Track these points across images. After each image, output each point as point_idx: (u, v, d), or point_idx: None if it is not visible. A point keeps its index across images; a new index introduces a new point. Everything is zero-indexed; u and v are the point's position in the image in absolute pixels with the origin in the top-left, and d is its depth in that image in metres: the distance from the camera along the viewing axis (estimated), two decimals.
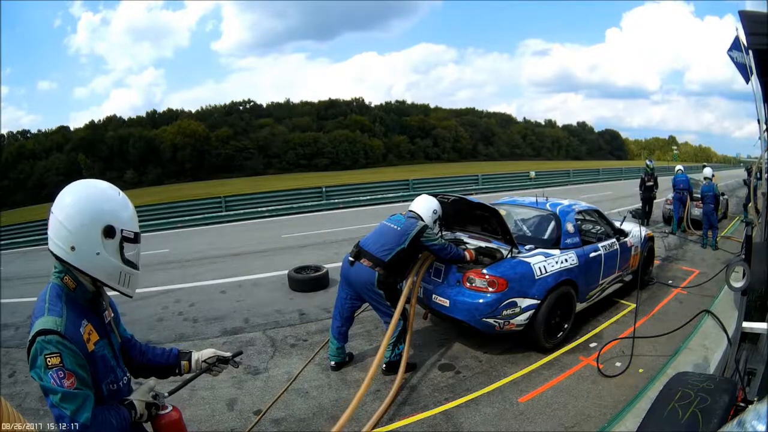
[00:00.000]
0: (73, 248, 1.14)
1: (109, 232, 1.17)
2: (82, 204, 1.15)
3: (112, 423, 1.13)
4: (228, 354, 1.55)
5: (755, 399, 1.43)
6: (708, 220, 7.25)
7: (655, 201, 9.51)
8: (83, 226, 1.14)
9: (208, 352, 1.52)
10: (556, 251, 3.64)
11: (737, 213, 10.53)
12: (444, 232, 3.95)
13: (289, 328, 4.17)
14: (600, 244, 4.09)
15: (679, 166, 9.31)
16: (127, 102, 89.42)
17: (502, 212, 3.69)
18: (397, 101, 72.13)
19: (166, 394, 1.36)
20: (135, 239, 1.23)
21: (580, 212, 4.25)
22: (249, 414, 2.81)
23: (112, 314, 1.32)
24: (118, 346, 1.32)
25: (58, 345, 1.06)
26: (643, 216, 8.53)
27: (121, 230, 1.19)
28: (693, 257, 6.70)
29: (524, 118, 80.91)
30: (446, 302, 3.37)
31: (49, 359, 1.04)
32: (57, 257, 1.16)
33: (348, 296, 3.24)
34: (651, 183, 9.21)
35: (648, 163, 9.73)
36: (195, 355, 1.50)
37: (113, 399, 1.21)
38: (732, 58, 4.99)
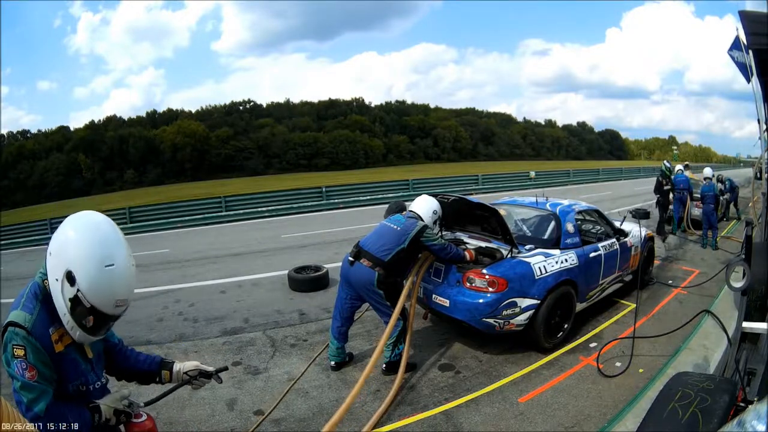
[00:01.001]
0: (50, 254, 1.18)
1: (69, 278, 1.13)
2: (79, 242, 1.15)
3: (68, 420, 1.15)
4: (211, 369, 1.52)
5: (755, 399, 1.43)
6: (708, 220, 7.25)
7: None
8: (61, 253, 1.15)
9: (190, 365, 1.50)
10: (556, 251, 3.64)
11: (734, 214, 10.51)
12: (444, 232, 3.95)
13: (289, 328, 4.17)
14: (600, 244, 4.09)
15: (678, 166, 9.29)
16: (127, 102, 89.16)
17: (502, 212, 3.69)
18: (397, 101, 72.09)
19: (142, 404, 1.34)
20: (91, 310, 1.15)
21: (580, 212, 4.25)
22: (249, 414, 2.80)
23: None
24: (99, 350, 1.33)
25: (23, 339, 1.13)
26: (663, 222, 8.12)
27: (78, 290, 1.13)
28: (693, 257, 6.70)
29: (524, 118, 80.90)
30: (446, 302, 3.37)
31: (15, 350, 1.12)
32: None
33: (348, 296, 3.24)
34: (669, 186, 8.31)
35: (666, 164, 8.66)
36: (177, 366, 1.49)
37: (81, 399, 1.24)
38: (733, 58, 4.98)
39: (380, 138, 61.71)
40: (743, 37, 4.35)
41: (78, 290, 1.14)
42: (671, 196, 8.36)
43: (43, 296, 1.19)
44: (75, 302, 1.15)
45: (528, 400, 2.89)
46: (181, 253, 8.55)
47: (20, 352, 1.11)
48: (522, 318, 3.30)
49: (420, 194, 3.56)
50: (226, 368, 1.59)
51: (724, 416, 1.20)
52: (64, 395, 1.20)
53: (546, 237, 3.86)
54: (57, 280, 1.15)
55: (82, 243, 1.15)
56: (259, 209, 13.92)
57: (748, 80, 4.43)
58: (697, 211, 8.10)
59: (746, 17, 2.42)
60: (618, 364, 3.33)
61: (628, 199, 14.33)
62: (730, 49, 5.01)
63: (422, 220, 3.28)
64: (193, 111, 60.39)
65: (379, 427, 2.64)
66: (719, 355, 3.18)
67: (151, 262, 7.79)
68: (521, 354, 3.49)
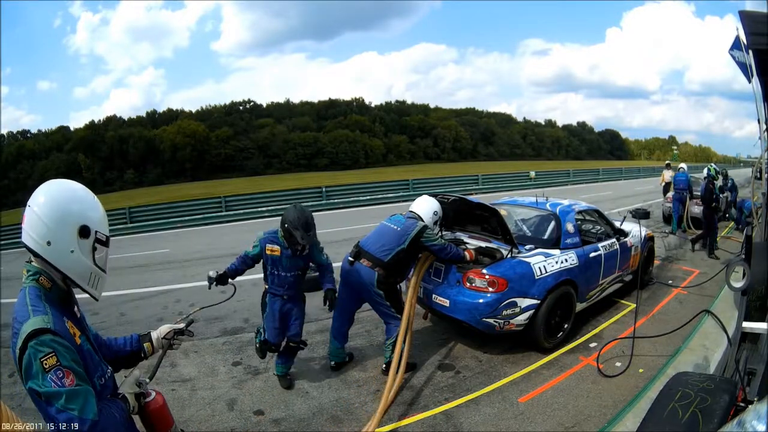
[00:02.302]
0: (49, 243, 1.15)
1: (84, 232, 1.19)
2: (62, 202, 1.17)
3: (115, 416, 1.15)
4: (182, 325, 1.58)
5: (755, 399, 1.42)
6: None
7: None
8: (61, 223, 1.16)
9: (164, 329, 1.54)
10: (556, 251, 3.63)
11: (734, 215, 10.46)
12: (444, 232, 3.95)
13: None
14: (600, 244, 4.09)
15: (681, 164, 9.22)
16: (127, 102, 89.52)
17: (503, 212, 3.69)
18: (397, 101, 72.13)
19: (148, 380, 1.39)
20: (106, 242, 1.26)
21: (580, 212, 4.25)
22: (249, 414, 2.81)
23: (80, 313, 1.33)
24: (94, 341, 1.34)
25: (51, 343, 1.04)
26: (711, 243, 6.63)
27: (96, 231, 1.21)
28: (693, 257, 6.69)
29: (524, 118, 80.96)
30: (446, 302, 3.37)
31: (45, 362, 1.02)
32: (32, 251, 1.17)
33: (348, 296, 3.24)
34: (723, 193, 7.04)
35: (713, 167, 7.11)
36: (154, 335, 1.52)
37: (104, 393, 1.23)
38: (733, 57, 4.97)
39: (380, 138, 61.69)
40: (743, 37, 4.34)
41: (96, 232, 1.21)
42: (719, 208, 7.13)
43: (45, 295, 1.16)
44: (95, 246, 1.22)
45: (528, 400, 2.89)
46: (181, 253, 8.55)
47: (52, 361, 1.02)
48: (522, 318, 3.30)
49: (420, 194, 3.56)
50: (192, 321, 1.64)
51: (724, 416, 1.19)
52: (94, 393, 1.14)
53: (546, 237, 3.86)
54: (72, 251, 1.17)
55: (71, 200, 1.19)
56: (259, 209, 13.92)
57: (749, 80, 4.42)
58: (696, 209, 8.07)
59: (746, 17, 2.42)
60: (618, 364, 3.33)
61: (628, 199, 14.33)
62: (731, 49, 5.00)
63: (422, 220, 3.28)
64: (193, 111, 60.51)
65: (379, 427, 2.64)
66: (719, 355, 3.18)
67: (151, 262, 7.79)
68: (521, 354, 3.49)
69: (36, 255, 1.17)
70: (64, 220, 1.16)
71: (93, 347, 1.27)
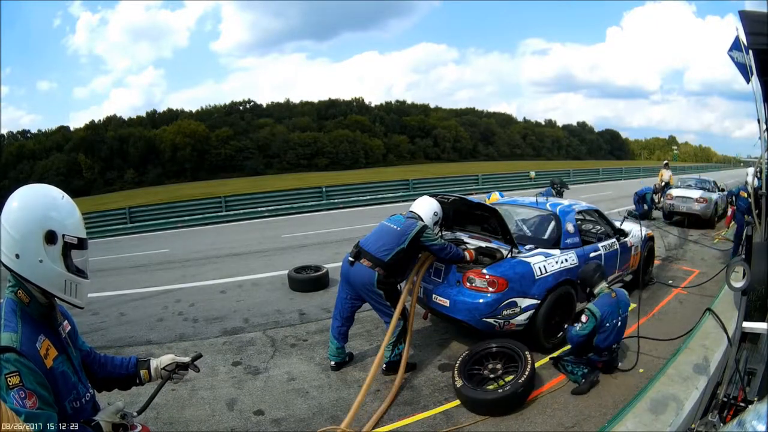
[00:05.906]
0: (17, 256, 1.11)
1: (50, 238, 1.12)
2: (25, 209, 1.12)
3: None
4: (187, 359, 1.50)
5: (755, 399, 1.42)
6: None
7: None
8: (25, 232, 1.10)
9: (166, 359, 1.48)
10: (556, 251, 3.63)
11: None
12: (444, 232, 3.95)
13: (289, 328, 4.18)
14: (600, 244, 4.09)
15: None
16: (127, 102, 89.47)
17: (502, 211, 3.69)
18: (397, 101, 72.06)
19: (135, 414, 1.33)
20: (80, 245, 1.18)
21: (580, 212, 4.25)
22: (249, 414, 2.81)
23: (69, 327, 1.30)
24: (78, 360, 1.29)
25: (16, 363, 1.04)
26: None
27: (63, 236, 1.14)
28: (693, 257, 6.70)
29: (524, 118, 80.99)
30: (446, 302, 3.37)
31: (9, 379, 1.02)
32: (6, 267, 1.13)
33: (348, 296, 3.24)
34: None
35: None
36: (154, 363, 1.46)
37: (77, 417, 1.18)
38: (732, 58, 4.96)
39: (380, 138, 61.70)
40: (743, 37, 4.34)
41: (63, 236, 1.14)
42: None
43: (20, 310, 1.13)
44: (66, 251, 1.15)
45: (528, 400, 2.88)
46: (181, 253, 8.55)
47: (15, 380, 1.02)
48: (522, 318, 3.30)
49: (420, 194, 3.57)
50: (200, 355, 1.57)
51: None
52: (64, 417, 1.13)
53: (546, 237, 3.86)
54: (41, 261, 1.11)
55: (34, 206, 1.13)
56: (259, 209, 13.91)
57: (748, 81, 4.42)
58: (698, 207, 8.33)
59: (746, 17, 2.42)
60: (618, 364, 3.33)
61: (628, 199, 14.30)
62: (730, 50, 4.99)
63: (422, 220, 3.28)
64: (193, 111, 60.50)
65: (379, 427, 2.64)
66: (719, 355, 3.17)
67: (151, 262, 7.79)
68: None
69: (11, 271, 1.13)
70: (28, 228, 1.10)
71: (74, 367, 1.23)
